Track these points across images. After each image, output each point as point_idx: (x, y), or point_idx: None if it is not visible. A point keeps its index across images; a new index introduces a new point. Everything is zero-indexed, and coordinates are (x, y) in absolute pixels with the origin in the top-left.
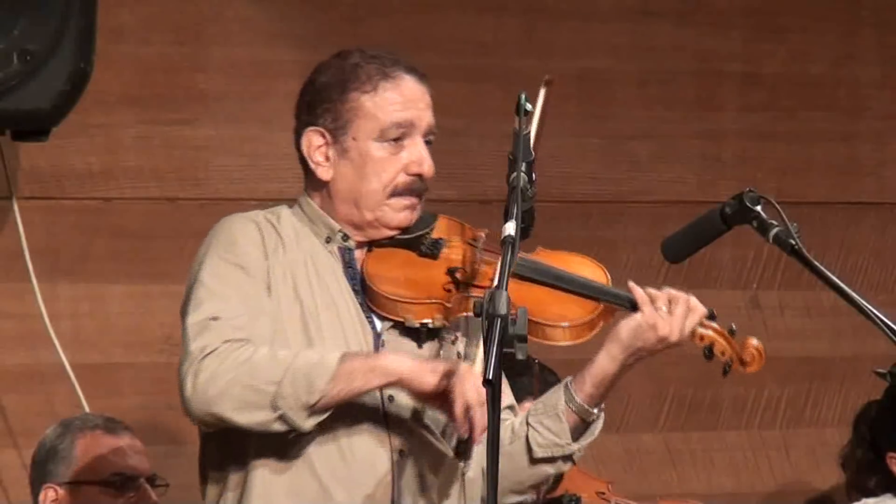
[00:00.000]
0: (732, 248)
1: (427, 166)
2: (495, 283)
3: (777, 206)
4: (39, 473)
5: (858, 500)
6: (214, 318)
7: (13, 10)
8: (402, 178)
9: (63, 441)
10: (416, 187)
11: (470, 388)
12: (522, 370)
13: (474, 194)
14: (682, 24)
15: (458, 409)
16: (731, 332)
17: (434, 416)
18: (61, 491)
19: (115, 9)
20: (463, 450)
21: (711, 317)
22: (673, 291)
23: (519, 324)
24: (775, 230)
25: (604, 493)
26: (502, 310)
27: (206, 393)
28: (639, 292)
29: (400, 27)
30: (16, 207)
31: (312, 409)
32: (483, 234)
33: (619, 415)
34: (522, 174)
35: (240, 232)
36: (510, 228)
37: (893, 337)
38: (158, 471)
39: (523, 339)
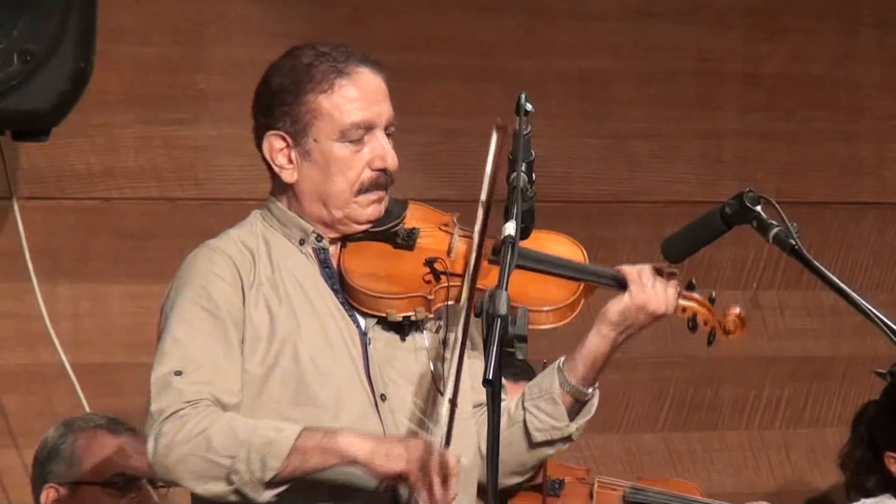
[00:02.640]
0: (732, 248)
1: (390, 159)
2: (495, 282)
3: (777, 206)
4: (41, 473)
5: (857, 500)
6: (178, 373)
7: (13, 10)
8: (367, 174)
9: (65, 441)
10: (381, 181)
11: (430, 465)
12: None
13: (474, 194)
14: (682, 24)
15: (420, 488)
16: (712, 300)
17: (430, 413)
18: (63, 490)
19: (115, 9)
20: None
21: (691, 287)
22: (644, 265)
23: (519, 324)
24: (775, 230)
25: (584, 479)
26: (502, 310)
27: (165, 460)
28: (629, 271)
29: (400, 27)
30: (16, 207)
31: (267, 485)
32: (454, 218)
33: (619, 415)
34: (522, 174)
35: (211, 272)
36: (510, 228)
37: (893, 337)
38: None
39: (523, 339)
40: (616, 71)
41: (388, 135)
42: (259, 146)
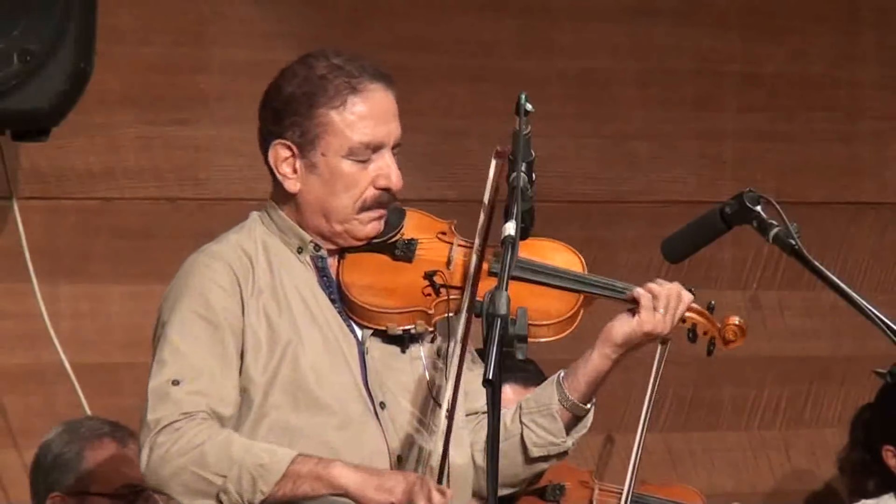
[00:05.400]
0: (732, 248)
1: (395, 179)
2: (495, 284)
3: (777, 206)
4: (45, 481)
5: (857, 500)
6: (175, 382)
7: (13, 10)
8: (371, 192)
9: (70, 449)
10: (383, 200)
11: (420, 500)
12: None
13: (474, 194)
14: (682, 24)
15: None
16: (710, 308)
17: (422, 408)
18: (69, 500)
19: (115, 9)
20: None
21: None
22: (659, 289)
23: (519, 324)
24: (775, 230)
25: (587, 482)
26: (502, 310)
27: (160, 471)
28: (642, 295)
29: (400, 27)
30: (16, 207)
31: None
32: (452, 226)
33: (620, 415)
34: (522, 174)
35: (210, 279)
36: (510, 228)
37: (893, 337)
38: None
39: (523, 339)
40: (616, 71)
41: (394, 152)
42: (263, 149)
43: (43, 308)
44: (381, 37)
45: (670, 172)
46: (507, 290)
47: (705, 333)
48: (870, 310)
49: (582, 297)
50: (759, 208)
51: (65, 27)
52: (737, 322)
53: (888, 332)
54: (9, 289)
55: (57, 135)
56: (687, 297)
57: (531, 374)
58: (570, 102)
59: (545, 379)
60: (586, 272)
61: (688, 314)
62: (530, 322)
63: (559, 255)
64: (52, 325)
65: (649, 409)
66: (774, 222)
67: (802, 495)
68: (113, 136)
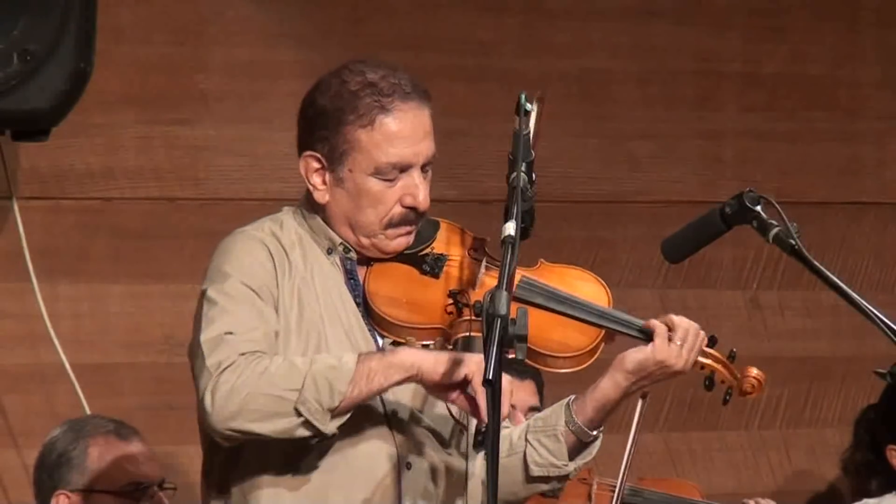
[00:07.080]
0: (732, 248)
1: (422, 199)
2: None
3: (777, 206)
4: (50, 479)
5: (860, 500)
6: (228, 333)
7: (13, 10)
8: (398, 210)
9: (76, 447)
10: (410, 217)
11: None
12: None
13: (474, 194)
14: (682, 24)
15: (481, 398)
16: (731, 357)
17: (437, 422)
18: (74, 497)
19: (115, 9)
20: (484, 439)
21: (712, 342)
22: (678, 321)
23: (519, 324)
24: (775, 230)
25: (585, 479)
26: (502, 310)
27: (227, 408)
28: (657, 326)
29: (400, 27)
30: (16, 207)
31: (334, 412)
32: (485, 245)
33: (620, 415)
34: (522, 174)
35: (249, 254)
36: (510, 228)
37: (893, 337)
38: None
39: (523, 339)
40: (616, 71)
41: (424, 171)
42: (298, 155)
43: (43, 308)
44: (381, 36)
45: (670, 172)
46: (507, 289)
47: (723, 382)
48: (870, 310)
49: (603, 332)
50: (759, 208)
51: (65, 27)
52: (755, 374)
53: (888, 332)
54: (9, 289)
55: (57, 135)
56: (701, 335)
57: (526, 368)
58: (570, 102)
59: (539, 373)
60: (611, 306)
61: (707, 361)
62: (549, 353)
63: (586, 286)
64: (52, 325)
65: (629, 462)
66: (774, 222)
67: (802, 495)
68: (113, 136)
